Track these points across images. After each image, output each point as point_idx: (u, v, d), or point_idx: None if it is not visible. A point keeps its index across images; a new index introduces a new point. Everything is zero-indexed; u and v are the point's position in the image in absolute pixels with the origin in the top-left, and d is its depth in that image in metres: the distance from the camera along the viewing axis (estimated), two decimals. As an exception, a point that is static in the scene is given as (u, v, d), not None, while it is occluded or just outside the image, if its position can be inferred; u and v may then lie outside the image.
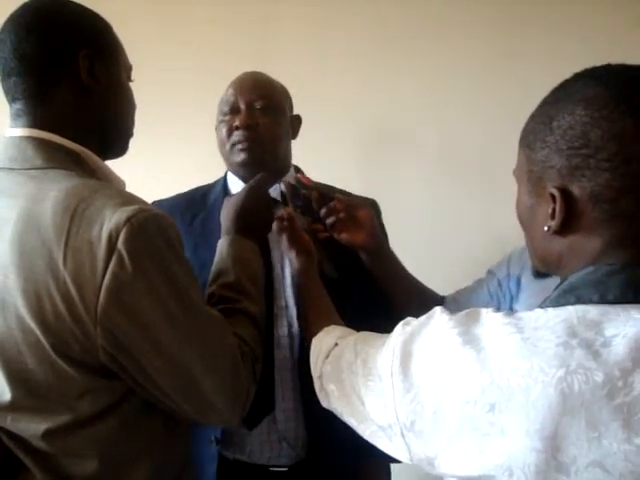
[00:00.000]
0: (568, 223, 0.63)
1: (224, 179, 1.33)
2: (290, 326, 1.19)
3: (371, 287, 1.24)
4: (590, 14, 1.77)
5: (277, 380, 1.17)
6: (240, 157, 1.20)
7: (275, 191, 1.23)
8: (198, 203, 1.30)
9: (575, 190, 0.62)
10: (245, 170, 1.22)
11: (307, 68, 1.90)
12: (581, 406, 0.52)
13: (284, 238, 1.13)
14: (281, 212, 1.15)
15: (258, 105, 1.21)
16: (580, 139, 0.61)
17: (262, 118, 1.21)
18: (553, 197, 0.63)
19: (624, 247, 0.61)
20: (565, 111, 0.63)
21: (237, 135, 1.20)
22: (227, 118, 1.23)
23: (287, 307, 1.20)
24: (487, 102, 1.84)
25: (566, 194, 0.62)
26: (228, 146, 1.22)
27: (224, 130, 1.23)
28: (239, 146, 1.20)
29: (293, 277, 1.20)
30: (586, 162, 0.60)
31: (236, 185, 1.28)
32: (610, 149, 0.59)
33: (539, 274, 0.77)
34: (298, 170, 1.32)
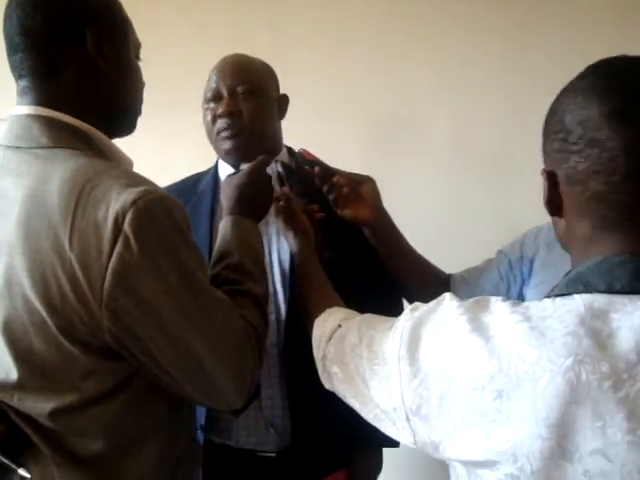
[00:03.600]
0: (559, 206, 0.66)
1: (215, 166, 1.32)
2: (277, 312, 1.18)
3: (369, 267, 1.23)
4: (605, 7, 1.73)
5: (263, 366, 1.15)
6: (225, 145, 1.20)
7: (269, 172, 1.21)
8: (189, 192, 1.29)
9: (559, 173, 0.65)
10: (232, 157, 1.22)
11: (319, 56, 1.89)
12: (588, 395, 0.52)
13: (281, 219, 1.12)
14: (278, 193, 1.13)
15: (240, 90, 1.19)
16: (558, 124, 0.64)
17: (245, 103, 1.19)
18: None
19: (611, 231, 0.61)
20: (556, 100, 0.67)
21: (221, 123, 1.19)
22: (211, 106, 1.22)
23: (275, 292, 1.19)
24: (500, 92, 1.83)
25: (551, 177, 0.66)
26: (214, 134, 1.22)
27: (209, 118, 1.22)
28: (223, 134, 1.19)
29: (281, 262, 1.19)
30: (562, 145, 0.64)
31: (226, 172, 1.27)
32: (577, 132, 0.61)
33: None
34: (290, 150, 1.31)
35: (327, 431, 1.16)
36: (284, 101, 1.30)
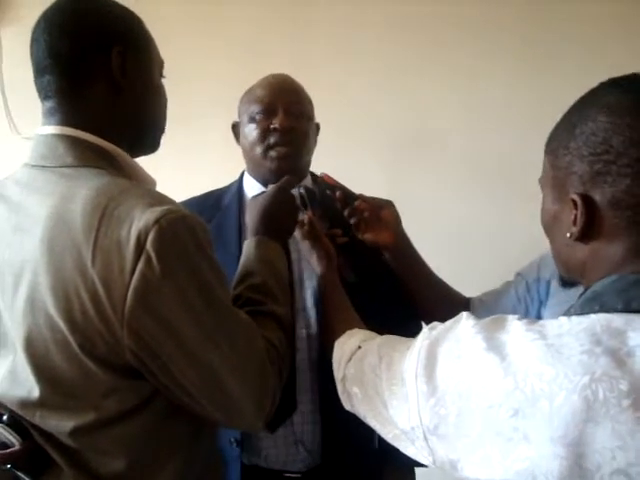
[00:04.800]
0: (590, 230, 0.63)
1: (239, 181, 1.30)
2: (308, 328, 1.18)
3: (390, 292, 1.23)
4: (618, 25, 1.73)
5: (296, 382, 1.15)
6: (275, 163, 1.17)
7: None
8: (212, 207, 1.27)
9: (597, 196, 0.62)
10: (276, 175, 1.16)
11: (335, 74, 1.90)
12: (606, 414, 0.51)
13: (305, 242, 1.12)
14: (302, 217, 1.13)
15: (294, 110, 1.18)
16: (602, 145, 0.61)
17: (298, 124, 1.18)
18: (575, 203, 0.63)
19: None
20: (588, 118, 0.63)
21: (275, 137, 1.16)
22: (259, 118, 1.18)
23: (305, 309, 1.19)
24: (516, 109, 1.84)
25: (587, 200, 0.62)
26: (261, 148, 1.18)
27: (256, 131, 1.18)
28: (276, 150, 1.16)
29: (312, 278, 1.19)
30: (607, 168, 0.60)
31: (252, 187, 1.26)
32: (631, 155, 0.59)
33: (565, 283, 0.76)
34: (313, 176, 1.30)
35: (357, 449, 1.15)
36: (317, 129, 1.30)
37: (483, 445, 0.57)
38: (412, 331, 0.76)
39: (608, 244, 0.63)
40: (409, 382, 0.66)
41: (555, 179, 0.68)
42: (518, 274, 1.19)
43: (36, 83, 0.83)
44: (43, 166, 0.79)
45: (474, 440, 0.58)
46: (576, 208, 0.63)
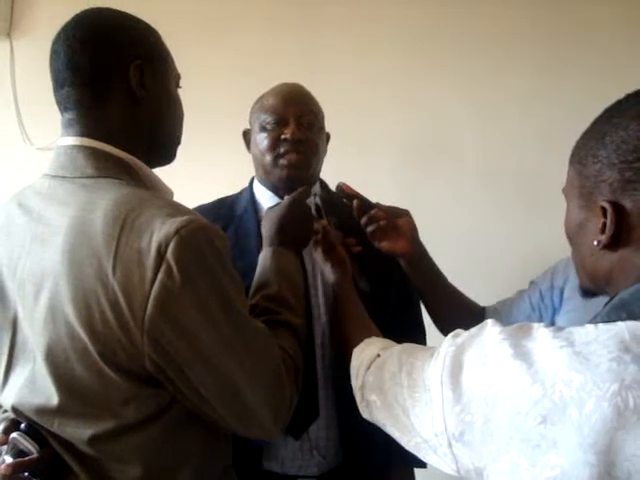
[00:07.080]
0: (618, 237, 0.63)
1: (250, 189, 1.31)
2: (324, 336, 1.18)
3: (404, 301, 1.23)
4: (637, 29, 1.74)
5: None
6: (285, 172, 1.19)
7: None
8: (226, 215, 1.27)
9: (627, 204, 0.62)
10: (286, 183, 1.19)
11: (350, 83, 1.90)
12: (637, 422, 0.51)
13: (319, 251, 1.13)
14: (316, 225, 1.14)
15: (305, 120, 1.20)
16: (633, 153, 0.61)
17: (309, 134, 1.19)
18: (604, 211, 0.63)
19: None
20: (619, 127, 0.63)
21: (285, 147, 1.18)
22: (271, 128, 1.20)
23: (320, 318, 1.19)
24: (531, 120, 1.83)
25: (617, 208, 0.62)
26: (271, 157, 1.20)
27: (267, 141, 1.20)
28: (286, 159, 1.18)
29: (325, 287, 1.20)
30: (639, 176, 0.60)
31: (264, 195, 1.27)
32: None
33: (586, 293, 0.76)
34: (323, 183, 1.32)
35: (373, 454, 1.15)
36: (328, 139, 1.32)
37: (510, 452, 0.57)
38: (421, 341, 0.76)
39: (636, 252, 0.62)
40: (434, 389, 0.65)
41: (582, 188, 0.67)
42: (532, 282, 1.20)
43: (55, 95, 0.84)
44: (63, 177, 0.80)
45: (500, 447, 0.58)
46: (605, 216, 0.63)
